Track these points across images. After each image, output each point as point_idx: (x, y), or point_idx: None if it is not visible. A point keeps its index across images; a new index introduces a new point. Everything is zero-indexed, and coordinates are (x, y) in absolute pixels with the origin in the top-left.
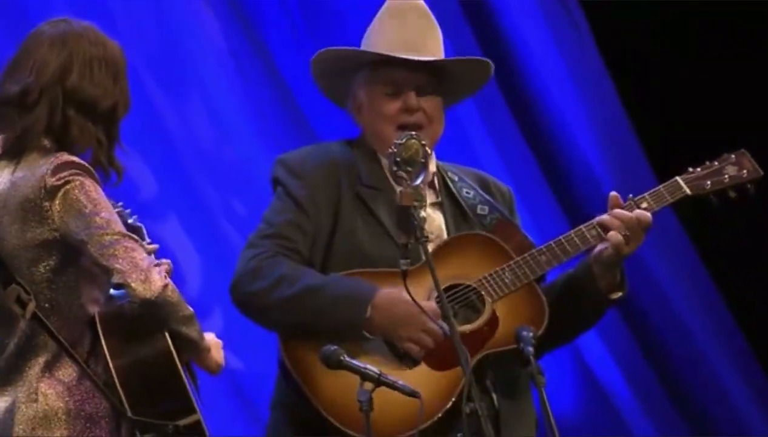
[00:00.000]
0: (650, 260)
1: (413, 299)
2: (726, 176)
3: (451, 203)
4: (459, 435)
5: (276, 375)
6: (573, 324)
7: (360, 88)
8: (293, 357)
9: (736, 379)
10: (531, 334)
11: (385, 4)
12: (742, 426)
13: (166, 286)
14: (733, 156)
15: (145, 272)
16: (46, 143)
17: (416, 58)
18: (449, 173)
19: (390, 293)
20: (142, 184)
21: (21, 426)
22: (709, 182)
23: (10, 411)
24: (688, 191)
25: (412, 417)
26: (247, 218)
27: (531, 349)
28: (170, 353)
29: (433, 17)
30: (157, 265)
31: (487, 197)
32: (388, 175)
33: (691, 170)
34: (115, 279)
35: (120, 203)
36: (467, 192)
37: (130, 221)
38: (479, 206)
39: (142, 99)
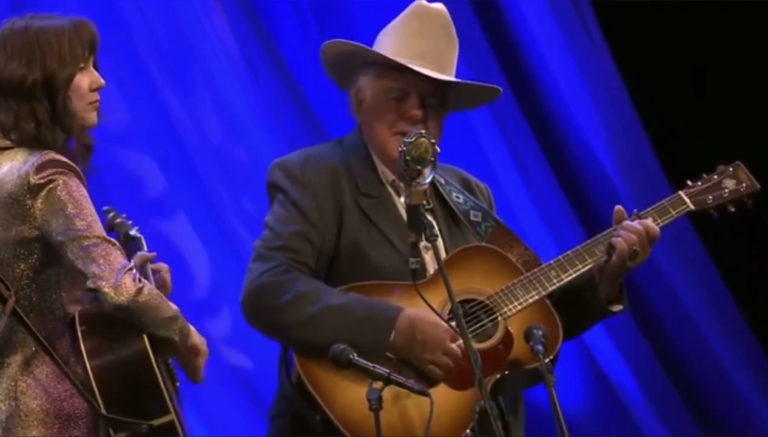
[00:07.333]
0: (665, 265)
1: (430, 306)
2: (726, 190)
3: (442, 208)
4: (469, 432)
5: (278, 386)
6: (566, 331)
7: (366, 84)
8: (310, 373)
9: (747, 381)
10: (541, 332)
11: (411, 6)
12: (754, 427)
13: (140, 291)
14: (730, 169)
15: (117, 277)
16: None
17: (433, 74)
18: (435, 176)
19: (413, 315)
20: (151, 181)
21: None
22: (710, 197)
23: None
24: (691, 206)
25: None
26: (257, 216)
27: (541, 348)
28: (147, 354)
29: (452, 27)
30: (131, 269)
31: (477, 201)
32: (384, 181)
33: (690, 183)
34: (89, 284)
35: (123, 215)
36: (457, 196)
37: (132, 232)
38: (472, 212)
39: (153, 98)
